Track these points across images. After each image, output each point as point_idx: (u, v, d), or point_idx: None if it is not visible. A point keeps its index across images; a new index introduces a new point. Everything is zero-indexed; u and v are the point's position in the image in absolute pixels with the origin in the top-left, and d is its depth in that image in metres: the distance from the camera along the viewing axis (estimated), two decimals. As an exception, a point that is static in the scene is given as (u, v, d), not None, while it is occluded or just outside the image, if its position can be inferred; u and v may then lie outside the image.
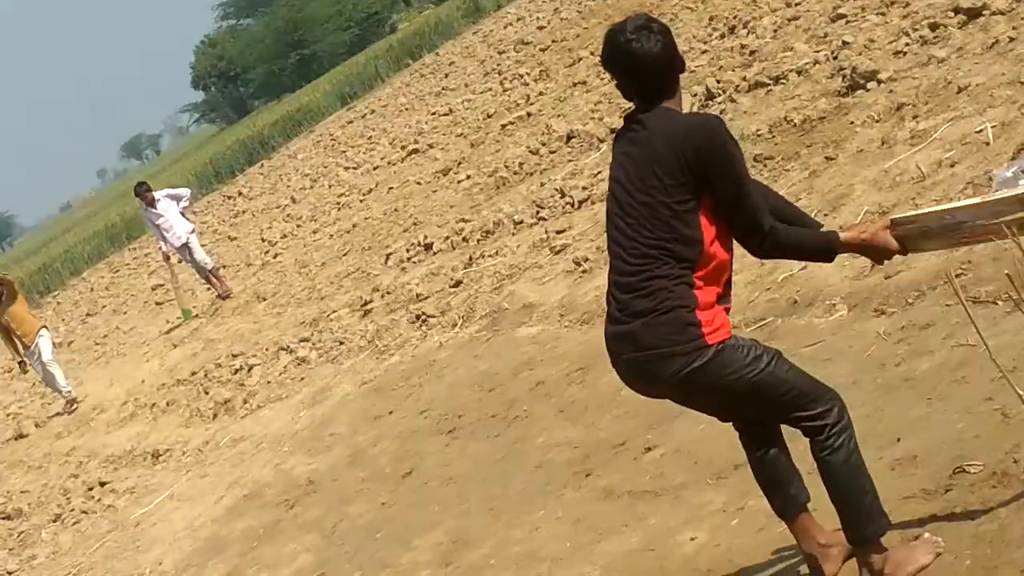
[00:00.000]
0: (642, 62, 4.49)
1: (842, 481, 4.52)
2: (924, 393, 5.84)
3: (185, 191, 21.14)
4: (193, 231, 20.02)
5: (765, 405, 4.62)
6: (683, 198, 4.37)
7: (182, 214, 19.93)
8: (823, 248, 4.68)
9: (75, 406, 18.02)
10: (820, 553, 4.81)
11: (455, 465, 8.09)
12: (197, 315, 19.99)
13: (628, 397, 7.46)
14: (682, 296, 4.38)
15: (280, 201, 30.08)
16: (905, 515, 5.05)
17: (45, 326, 18.71)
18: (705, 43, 16.26)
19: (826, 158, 9.26)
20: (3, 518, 13.63)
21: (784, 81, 11.90)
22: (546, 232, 11.82)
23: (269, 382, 13.02)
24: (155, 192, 19.92)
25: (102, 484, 12.72)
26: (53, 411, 18.98)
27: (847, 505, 4.55)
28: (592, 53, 21.85)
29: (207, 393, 14.02)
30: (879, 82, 10.12)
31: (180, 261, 19.94)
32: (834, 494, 4.57)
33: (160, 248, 20.29)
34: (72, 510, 12.45)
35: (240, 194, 40.08)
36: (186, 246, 19.56)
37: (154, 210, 19.53)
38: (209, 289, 20.25)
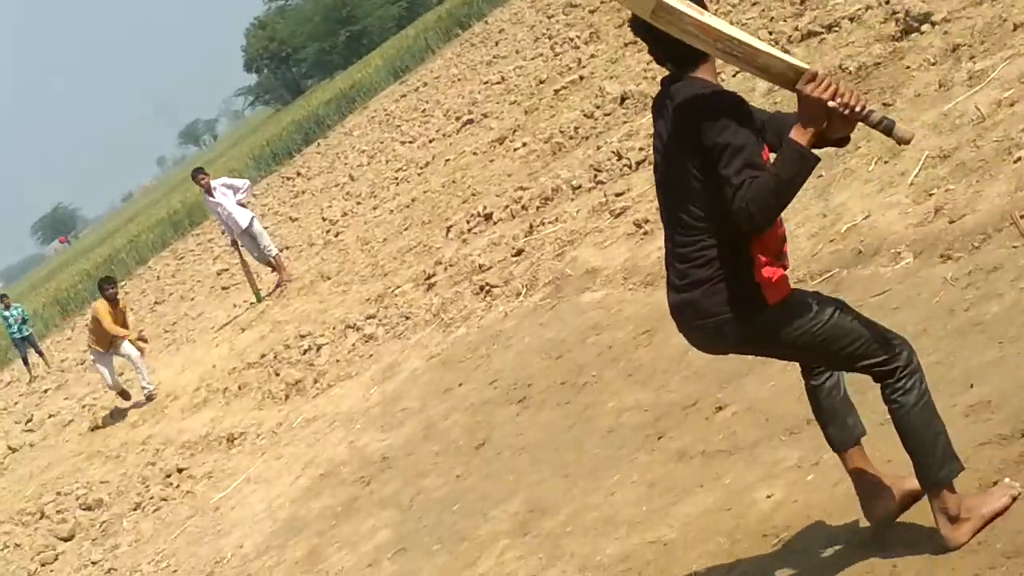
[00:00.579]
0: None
1: (914, 424, 4.50)
2: (995, 337, 5.79)
3: (243, 183, 21.09)
4: (253, 219, 19.95)
5: (834, 355, 4.62)
6: (709, 171, 4.37)
7: (241, 204, 19.92)
8: (795, 167, 4.49)
9: (152, 399, 18.14)
10: (874, 491, 4.81)
11: (527, 434, 8.10)
12: (268, 297, 19.96)
13: (696, 357, 7.46)
14: (738, 262, 4.41)
15: (338, 179, 30.14)
16: (981, 462, 5.01)
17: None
18: (754, 3, 16.11)
19: (883, 104, 9.16)
20: (85, 509, 13.78)
21: (837, 29, 11.79)
22: (605, 195, 11.81)
23: (338, 361, 13.10)
24: (212, 180, 20.02)
25: (180, 471, 12.86)
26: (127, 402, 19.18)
27: (919, 448, 4.53)
28: (642, 12, 21.74)
29: (278, 375, 14.13)
30: (933, 24, 10.00)
31: (243, 246, 19.76)
32: (906, 438, 4.56)
33: (223, 234, 20.75)
34: (151, 498, 12.58)
35: (299, 174, 40.21)
36: (247, 233, 19.62)
37: (211, 198, 19.75)
38: (273, 272, 20.26)
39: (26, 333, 33.51)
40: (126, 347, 17.74)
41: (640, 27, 4.54)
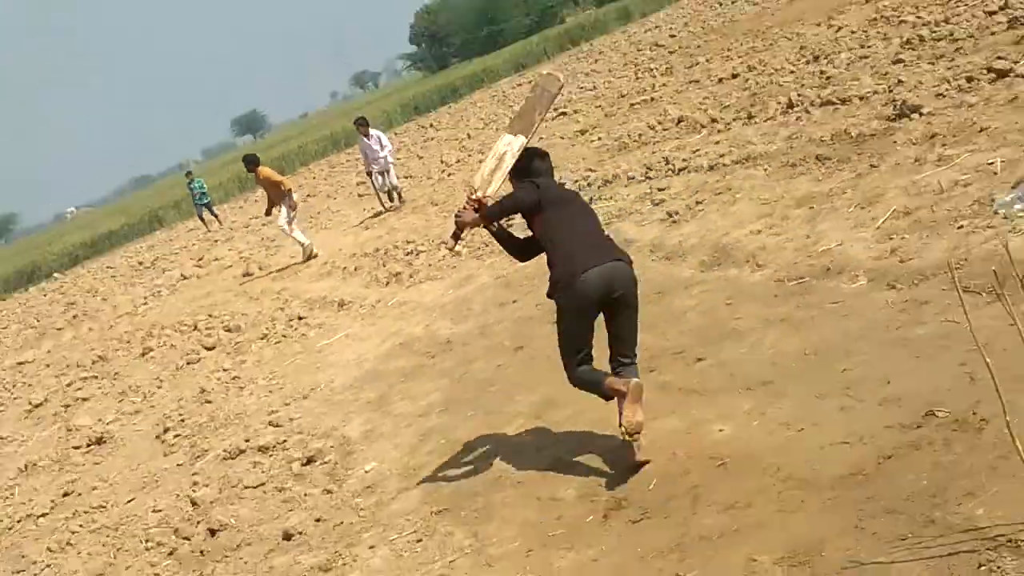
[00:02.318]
0: None
1: None
2: (915, 352, 5.84)
3: (390, 146, 21.69)
4: (390, 162, 20.92)
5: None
6: None
7: (384, 158, 20.82)
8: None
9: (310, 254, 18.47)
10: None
11: (555, 348, 8.18)
12: (389, 210, 20.45)
13: (691, 319, 7.52)
14: None
15: (459, 135, 30.26)
16: (883, 440, 5.07)
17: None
18: (794, 65, 16.00)
19: (871, 165, 9.13)
20: (226, 330, 14.07)
21: (848, 103, 11.72)
22: (650, 188, 11.82)
23: (430, 265, 13.22)
24: (370, 128, 21.14)
25: (300, 318, 13.07)
26: (276, 259, 19.47)
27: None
28: (707, 60, 21.61)
29: (384, 265, 14.28)
30: (921, 114, 9.95)
31: (380, 173, 20.90)
32: None
33: (364, 167, 21.69)
34: (276, 333, 12.81)
35: (431, 126, 40.56)
36: (383, 172, 20.79)
37: (366, 140, 20.87)
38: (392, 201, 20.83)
39: (205, 201, 34.47)
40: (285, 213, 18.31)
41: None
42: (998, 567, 4.05)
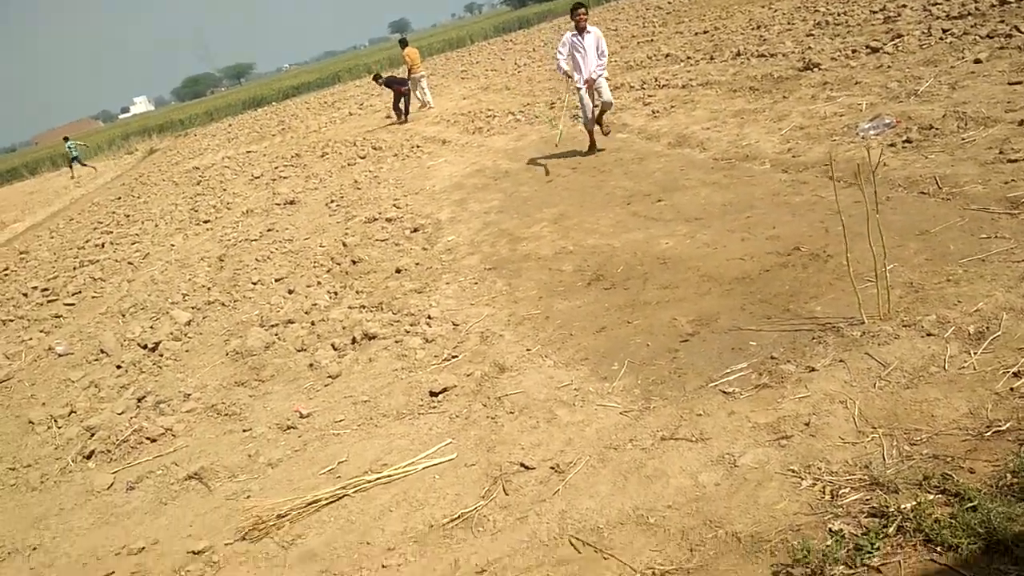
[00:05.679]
0: None
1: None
2: (792, 211, 5.77)
3: (606, 55, 9.48)
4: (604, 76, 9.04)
5: None
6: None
7: (601, 66, 9.31)
8: None
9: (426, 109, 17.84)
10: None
11: (571, 184, 8.09)
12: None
13: (657, 176, 7.34)
14: None
15: (527, 48, 29.21)
16: (765, 261, 5.01)
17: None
18: (743, 30, 15.14)
19: (783, 96, 8.78)
20: (373, 148, 13.93)
21: (774, 57, 11.14)
22: (642, 94, 11.40)
23: (501, 124, 12.90)
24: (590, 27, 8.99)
25: (417, 147, 12.90)
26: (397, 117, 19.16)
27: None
28: (689, 20, 20.46)
29: (472, 122, 13.96)
30: (819, 69, 9.50)
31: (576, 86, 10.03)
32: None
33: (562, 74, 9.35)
34: (402, 153, 12.67)
35: (511, 40, 38.86)
36: (591, 87, 9.01)
37: (579, 38, 8.86)
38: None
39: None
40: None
41: None
42: (823, 340, 4.07)
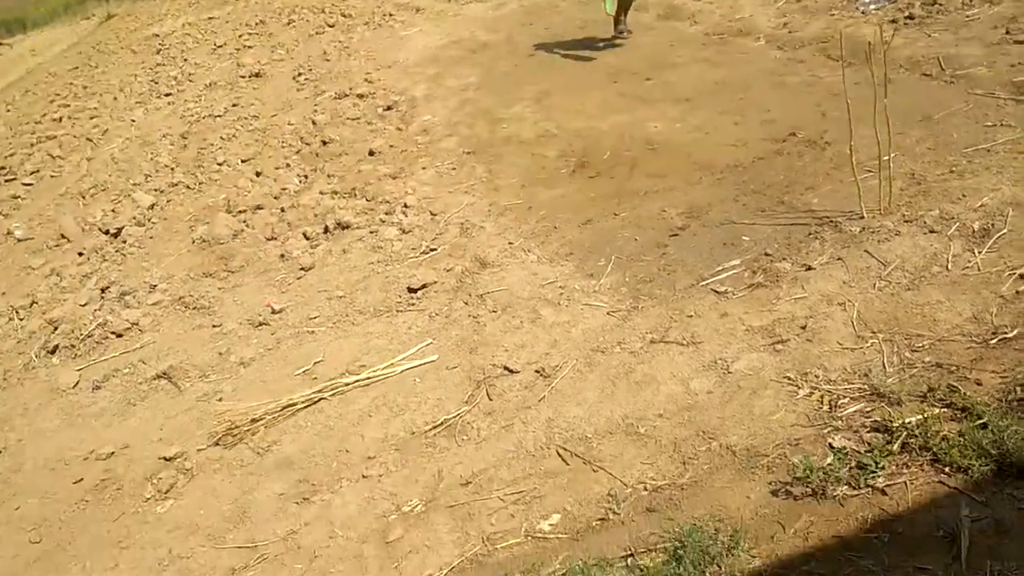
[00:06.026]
0: None
1: None
2: (788, 92, 5.36)
3: None
4: None
5: None
6: None
7: None
8: None
9: None
10: None
11: (553, 60, 7.50)
12: None
13: (645, 52, 6.81)
14: None
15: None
16: (759, 148, 4.69)
17: None
18: None
19: None
20: (343, 15, 12.79)
21: None
22: None
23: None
24: None
25: (390, 15, 11.68)
26: None
27: None
28: None
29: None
30: None
31: None
32: None
33: None
34: (374, 22, 11.57)
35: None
36: None
37: None
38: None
39: None
40: None
41: None
42: (820, 236, 3.82)
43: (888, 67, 3.88)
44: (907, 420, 2.57)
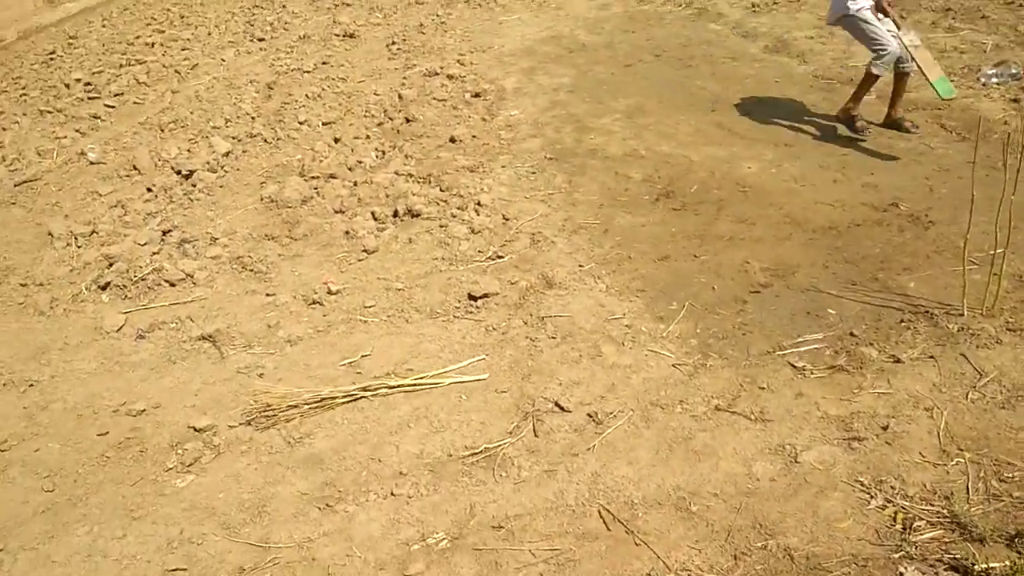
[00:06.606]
0: None
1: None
2: (898, 159, 4.97)
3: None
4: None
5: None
6: None
7: None
8: None
9: None
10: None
11: (651, 72, 7.21)
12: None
13: (749, 84, 6.52)
14: None
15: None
16: (858, 213, 4.40)
17: None
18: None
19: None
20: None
21: None
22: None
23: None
24: None
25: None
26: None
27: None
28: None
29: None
30: None
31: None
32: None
33: None
34: (474, 1, 11.41)
35: None
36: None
37: None
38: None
39: None
40: None
41: None
42: (913, 326, 3.52)
43: (1009, 153, 3.56)
44: (991, 566, 2.31)
